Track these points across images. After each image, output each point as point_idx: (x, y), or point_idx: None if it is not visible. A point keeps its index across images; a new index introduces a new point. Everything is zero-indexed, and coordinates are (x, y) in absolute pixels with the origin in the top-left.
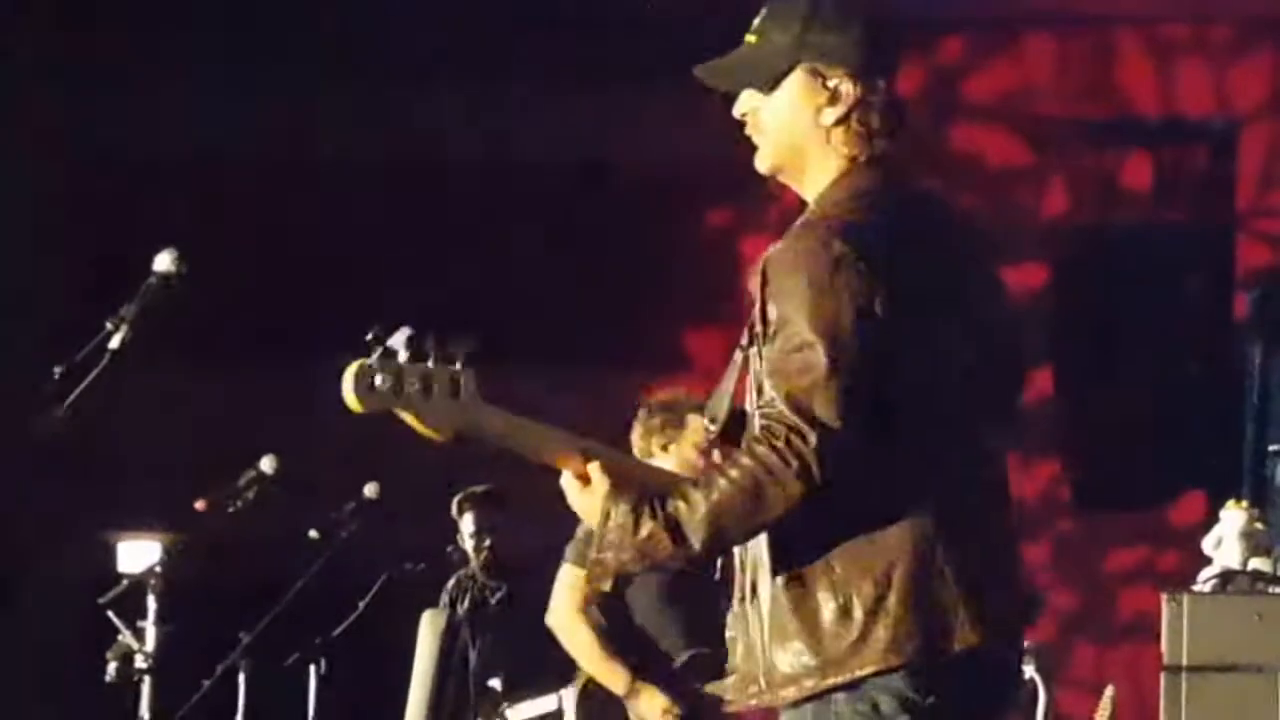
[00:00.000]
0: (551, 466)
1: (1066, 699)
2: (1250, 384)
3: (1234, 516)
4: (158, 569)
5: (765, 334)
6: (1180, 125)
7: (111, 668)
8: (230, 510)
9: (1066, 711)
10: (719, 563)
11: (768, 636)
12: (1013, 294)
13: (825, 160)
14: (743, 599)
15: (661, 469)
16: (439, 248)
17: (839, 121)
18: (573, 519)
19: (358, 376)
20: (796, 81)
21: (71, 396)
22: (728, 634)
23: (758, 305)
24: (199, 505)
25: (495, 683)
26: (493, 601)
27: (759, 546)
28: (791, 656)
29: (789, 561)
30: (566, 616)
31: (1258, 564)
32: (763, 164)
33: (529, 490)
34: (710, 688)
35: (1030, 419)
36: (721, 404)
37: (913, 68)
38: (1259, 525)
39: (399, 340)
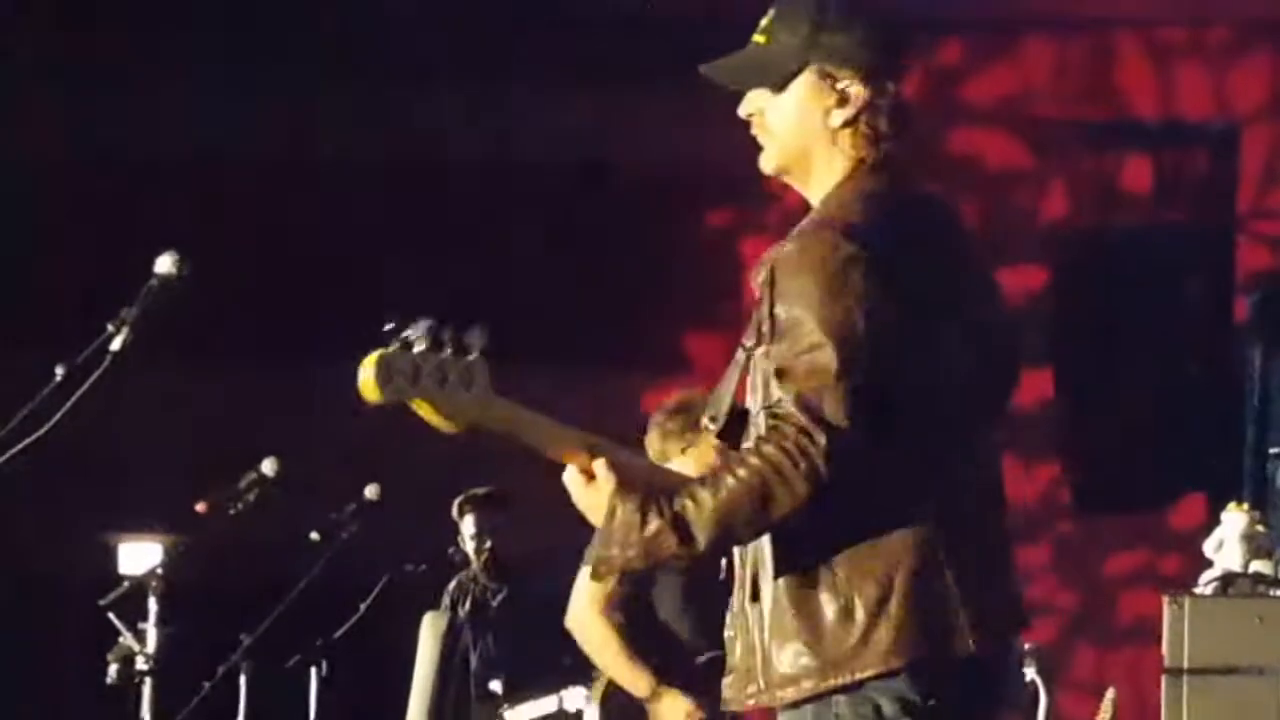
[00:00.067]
0: (558, 461)
1: (1067, 701)
2: (1251, 386)
3: (1235, 519)
4: (159, 571)
5: (772, 334)
6: (1180, 127)
7: (112, 669)
8: (231, 512)
9: (1067, 714)
10: (724, 562)
11: (768, 636)
12: (1007, 295)
13: (831, 162)
14: (743, 599)
15: (667, 469)
16: (439, 248)
17: (847, 123)
18: (574, 521)
19: (377, 367)
20: (805, 83)
21: (73, 398)
22: (726, 633)
23: (765, 305)
24: (200, 507)
25: (496, 685)
26: (494, 603)
27: (760, 546)
28: (791, 657)
29: (791, 562)
30: (587, 619)
31: (1259, 566)
32: (768, 164)
33: (530, 492)
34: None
35: (1031, 421)
36: (722, 403)
37: (912, 70)
38: (1260, 528)
39: (416, 331)
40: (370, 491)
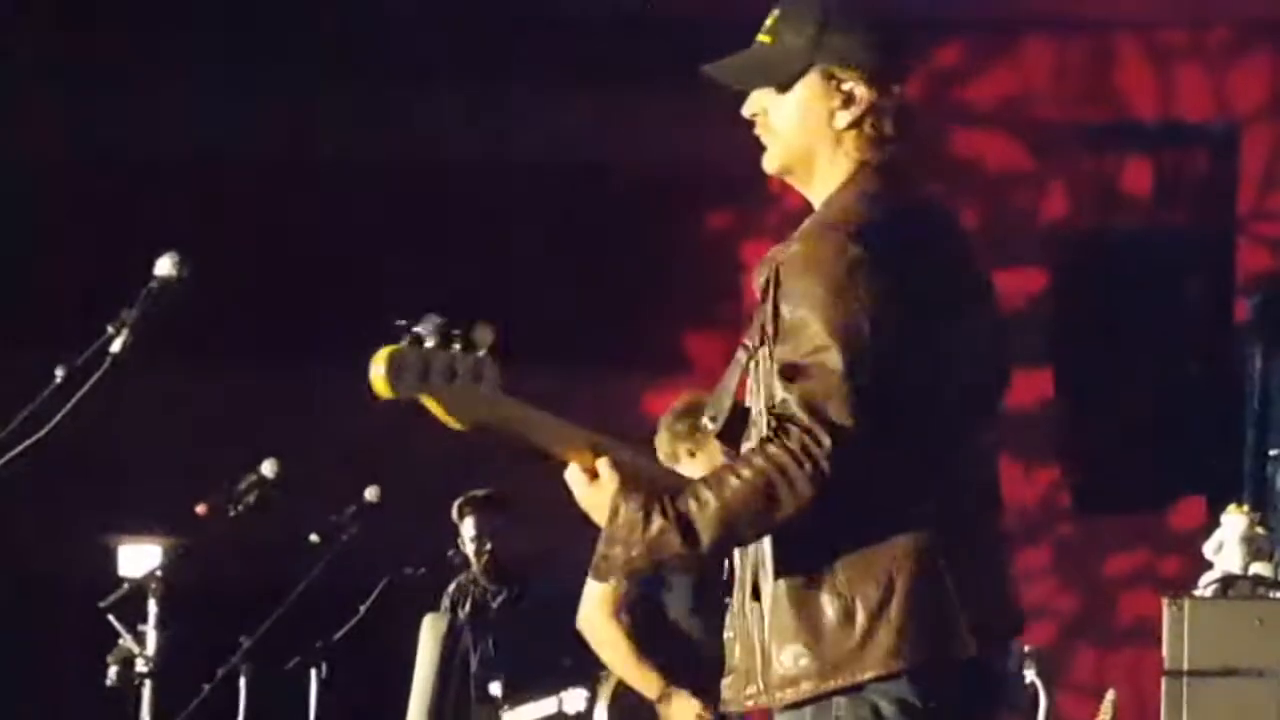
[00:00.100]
0: (563, 459)
1: (1067, 703)
2: (1251, 388)
3: (1235, 521)
4: (158, 573)
5: (776, 334)
6: (1180, 129)
7: (112, 672)
8: (231, 514)
9: (1068, 715)
10: (725, 563)
11: (768, 637)
12: (1008, 296)
13: (835, 163)
14: (742, 599)
15: (670, 470)
16: (439, 248)
17: (852, 125)
18: (574, 523)
19: (388, 363)
20: (811, 83)
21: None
22: (725, 634)
23: (769, 305)
24: (200, 509)
25: (496, 687)
26: (494, 605)
27: (761, 546)
28: (791, 658)
29: (792, 562)
30: (597, 620)
31: (1259, 569)
32: (771, 164)
33: (530, 494)
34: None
35: (1030, 422)
36: (723, 402)
37: (915, 72)
38: (1260, 530)
39: (427, 327)
40: (370, 493)
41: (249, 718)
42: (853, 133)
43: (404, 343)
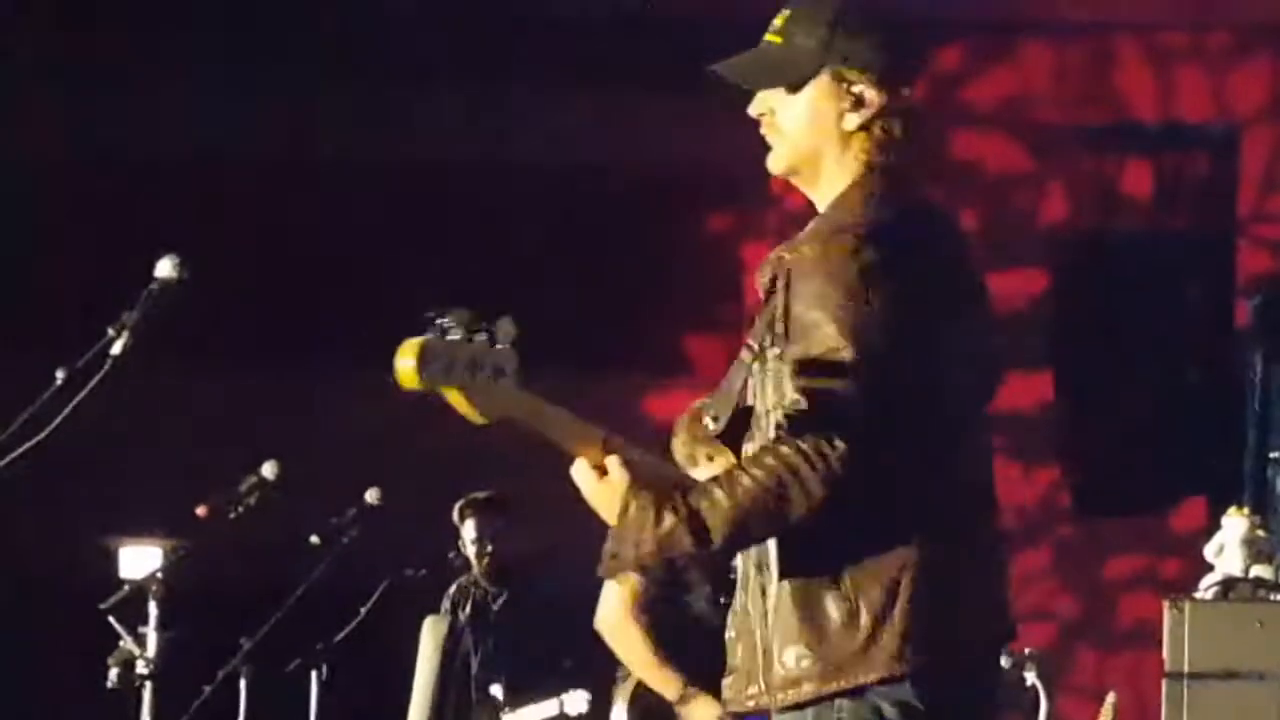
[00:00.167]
0: (573, 456)
1: (1068, 705)
2: (1251, 390)
3: (1235, 523)
4: (159, 574)
5: (787, 334)
6: (1180, 131)
7: (113, 673)
8: (231, 516)
9: (1068, 718)
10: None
11: (771, 638)
12: (1008, 298)
13: (843, 165)
14: (745, 599)
15: (679, 470)
16: (439, 249)
17: (861, 127)
18: (574, 525)
19: (417, 354)
20: (821, 85)
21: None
22: (728, 634)
23: (779, 305)
24: (200, 511)
25: (496, 688)
26: (494, 607)
27: (765, 546)
28: (794, 659)
29: (797, 563)
30: (617, 620)
31: (1259, 571)
32: (777, 165)
33: (531, 496)
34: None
35: (1031, 425)
36: (726, 402)
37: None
38: (1260, 532)
39: (452, 320)
40: (370, 495)
41: (249, 719)
42: (861, 135)
43: (430, 334)
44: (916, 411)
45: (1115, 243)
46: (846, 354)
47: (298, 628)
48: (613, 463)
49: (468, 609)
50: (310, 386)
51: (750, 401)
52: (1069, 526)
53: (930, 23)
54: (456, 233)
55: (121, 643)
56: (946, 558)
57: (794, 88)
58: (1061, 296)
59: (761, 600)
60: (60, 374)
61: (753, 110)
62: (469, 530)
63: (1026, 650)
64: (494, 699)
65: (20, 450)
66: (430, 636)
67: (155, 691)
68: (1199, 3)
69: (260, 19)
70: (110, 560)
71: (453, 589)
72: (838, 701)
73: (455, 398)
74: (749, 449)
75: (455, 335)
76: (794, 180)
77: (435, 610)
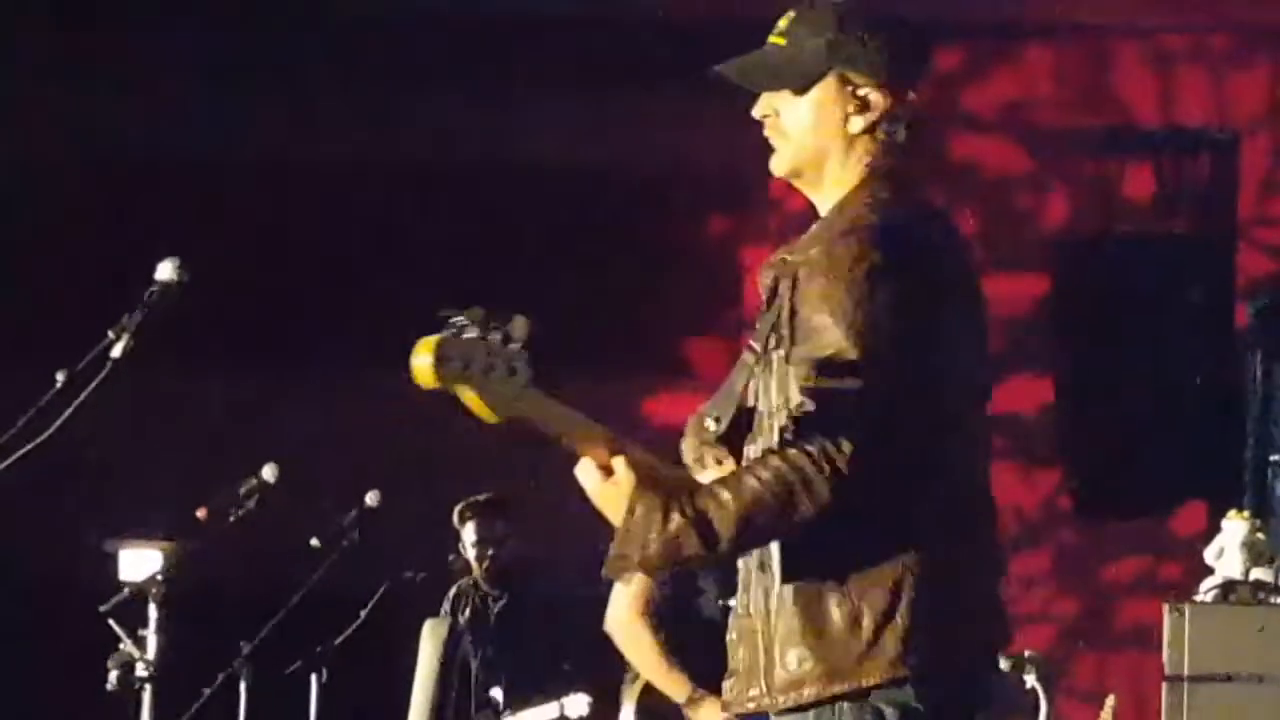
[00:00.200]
0: (581, 455)
1: (1067, 708)
2: (1252, 393)
3: (1235, 526)
4: (159, 577)
5: (793, 337)
6: (1181, 135)
7: (113, 676)
8: (232, 518)
9: None
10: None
11: (773, 640)
12: (1009, 302)
13: (846, 168)
14: (747, 601)
15: (682, 473)
16: (439, 251)
17: (865, 130)
18: (574, 529)
19: (434, 351)
20: (827, 87)
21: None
22: (729, 635)
23: (785, 307)
24: (200, 513)
25: (497, 691)
26: (494, 610)
27: (768, 548)
28: (796, 662)
29: (799, 565)
30: (627, 622)
31: (1259, 574)
32: (780, 167)
33: (530, 499)
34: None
35: (1032, 428)
36: (728, 403)
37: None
38: (1260, 535)
39: (466, 318)
40: (370, 498)
41: None
42: (865, 138)
43: (447, 333)
44: (921, 414)
45: (1116, 246)
46: (853, 356)
47: (298, 630)
48: (619, 463)
49: (468, 612)
50: (310, 389)
51: (752, 403)
52: (1069, 529)
53: (930, 25)
54: (456, 235)
55: (121, 645)
56: (948, 559)
57: (799, 90)
58: (1062, 299)
59: (764, 602)
60: (61, 376)
61: (757, 112)
62: (469, 533)
63: (1026, 653)
64: (494, 702)
65: (21, 452)
66: (430, 639)
67: (155, 694)
68: (1200, 6)
69: (260, 19)
70: (110, 563)
71: (453, 592)
72: (839, 704)
73: (469, 396)
74: (751, 451)
75: (470, 333)
76: (796, 182)
77: (435, 613)
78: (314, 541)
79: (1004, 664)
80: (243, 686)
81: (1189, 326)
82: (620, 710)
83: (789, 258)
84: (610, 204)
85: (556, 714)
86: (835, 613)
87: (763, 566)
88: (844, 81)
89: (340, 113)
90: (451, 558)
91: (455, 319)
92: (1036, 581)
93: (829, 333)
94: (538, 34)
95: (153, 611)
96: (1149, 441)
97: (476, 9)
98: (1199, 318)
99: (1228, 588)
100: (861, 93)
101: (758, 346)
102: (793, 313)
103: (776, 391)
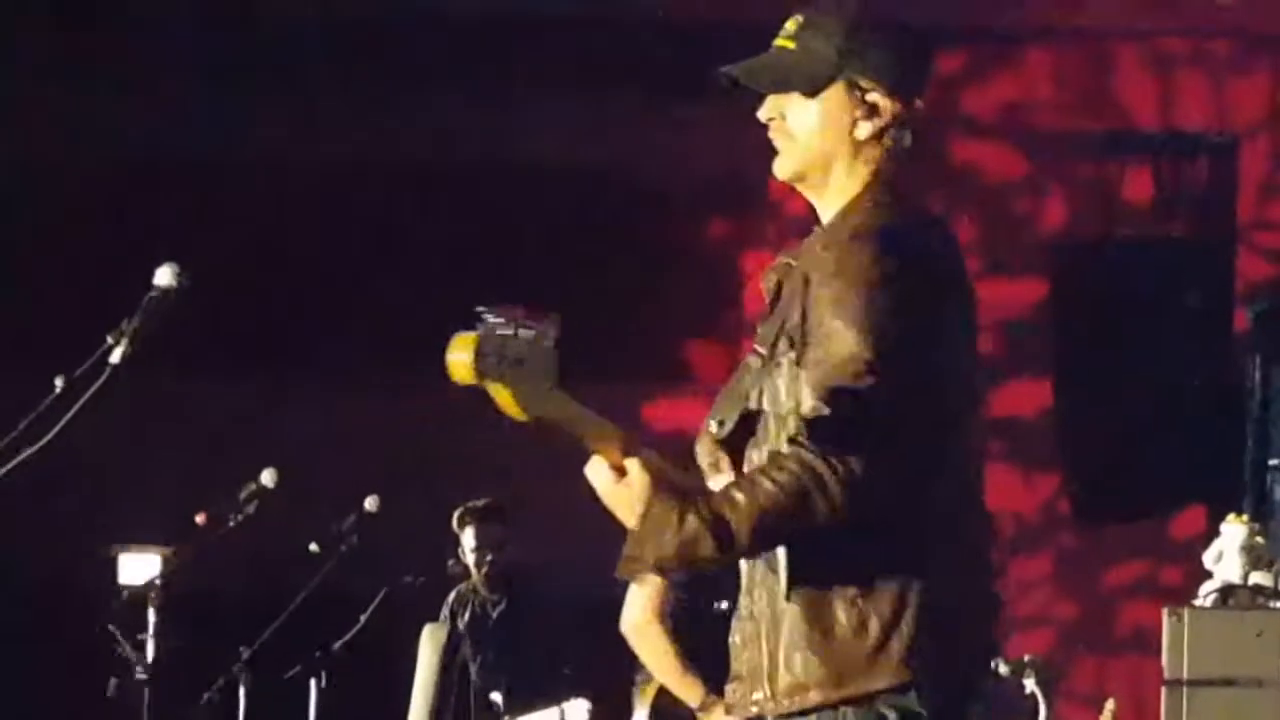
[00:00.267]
0: (595, 454)
1: (1067, 712)
2: (1251, 397)
3: (1235, 530)
4: (158, 582)
5: (804, 341)
6: (1180, 139)
7: (112, 681)
8: (231, 523)
9: None
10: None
11: (778, 643)
12: (1008, 305)
13: (852, 173)
14: (751, 604)
15: (693, 476)
16: (438, 254)
17: (872, 136)
18: (574, 533)
19: (473, 348)
20: (836, 92)
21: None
22: (732, 638)
23: (795, 310)
24: (200, 518)
25: (496, 696)
26: (493, 615)
27: (774, 551)
28: (801, 666)
29: (806, 569)
30: (642, 624)
31: (1258, 578)
32: (784, 170)
33: (530, 503)
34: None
35: (1031, 432)
36: (731, 406)
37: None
38: (1259, 539)
39: (501, 316)
40: (370, 503)
41: None
42: (872, 143)
43: (482, 330)
44: (925, 415)
45: (1115, 249)
46: (868, 359)
47: (297, 635)
48: (633, 464)
49: (467, 617)
50: (309, 393)
51: (756, 406)
52: (1068, 533)
53: (931, 29)
54: (456, 235)
55: (121, 650)
56: (951, 564)
57: (809, 93)
58: (1061, 303)
59: (769, 606)
60: (59, 382)
61: (763, 114)
62: (468, 538)
63: (1026, 657)
64: (494, 707)
65: (19, 458)
66: (429, 644)
67: (154, 698)
68: (1199, 11)
69: (260, 19)
70: (109, 567)
71: (452, 597)
72: (843, 709)
73: (502, 394)
74: (754, 455)
75: (505, 331)
76: (799, 186)
77: (434, 618)
78: (313, 546)
79: (1004, 668)
80: (242, 691)
81: (1188, 330)
82: (633, 713)
83: (793, 261)
84: (610, 205)
85: (556, 718)
86: (842, 617)
87: (768, 570)
88: (853, 87)
89: (340, 113)
90: (450, 562)
91: (490, 316)
92: (1036, 585)
93: (843, 337)
94: (538, 34)
95: (152, 616)
96: (1148, 445)
97: (476, 9)
98: (1198, 321)
99: (1227, 592)
100: (870, 98)
101: (763, 350)
102: (804, 316)
103: (786, 395)
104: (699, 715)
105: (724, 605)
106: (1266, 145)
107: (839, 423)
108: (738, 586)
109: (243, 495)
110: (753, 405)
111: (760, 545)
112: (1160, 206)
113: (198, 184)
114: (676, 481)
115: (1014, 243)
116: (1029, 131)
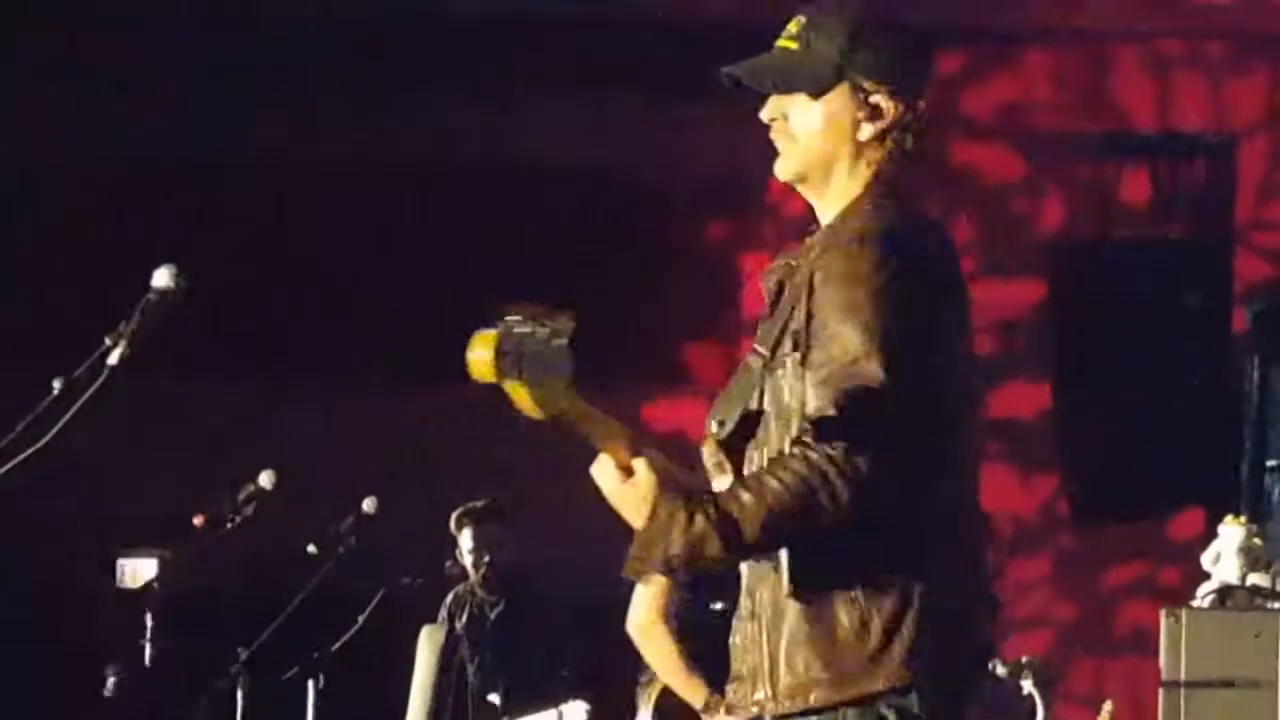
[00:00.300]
0: (602, 453)
1: (1065, 713)
2: (1249, 398)
3: (1232, 532)
4: (156, 584)
5: (809, 342)
6: (1178, 140)
7: (110, 682)
8: (229, 525)
9: None
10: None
11: (780, 644)
12: (1006, 307)
13: (854, 174)
14: (752, 605)
15: (699, 477)
16: (437, 254)
17: (874, 138)
18: (574, 534)
19: (493, 346)
20: (840, 93)
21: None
22: (732, 639)
23: (799, 312)
24: (198, 520)
25: (494, 697)
26: (491, 616)
27: (776, 552)
28: (803, 667)
29: (808, 569)
30: (647, 624)
31: (1256, 579)
32: (786, 171)
33: (528, 505)
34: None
35: (1029, 433)
36: (731, 406)
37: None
38: (1257, 540)
39: (519, 314)
40: (367, 505)
41: None
42: (874, 145)
43: (501, 328)
44: (925, 415)
45: (1113, 250)
46: (874, 360)
47: (295, 636)
48: (640, 464)
49: (465, 618)
50: (308, 394)
51: (757, 406)
52: (1067, 534)
53: (930, 30)
54: (456, 235)
55: (119, 652)
56: (950, 565)
57: (813, 94)
58: (1059, 304)
59: (770, 606)
60: (57, 383)
61: (765, 114)
62: (466, 539)
63: (1024, 658)
64: (492, 708)
65: (17, 460)
66: (427, 645)
67: (152, 700)
68: (1197, 12)
69: (260, 19)
70: (108, 569)
71: (450, 598)
72: (844, 710)
73: (520, 392)
74: (755, 455)
75: (523, 329)
76: (800, 187)
77: (432, 619)
78: (311, 548)
79: (1001, 669)
80: (239, 692)
81: (1186, 331)
82: (636, 713)
83: (795, 263)
84: (610, 205)
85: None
86: (845, 618)
87: (770, 570)
88: (857, 88)
89: (340, 113)
90: (448, 564)
91: (509, 314)
92: (1034, 586)
93: (848, 339)
94: (538, 34)
95: (150, 618)
96: (1146, 446)
97: (476, 9)
98: (1196, 322)
99: (1225, 593)
100: (873, 100)
101: (764, 350)
102: (809, 317)
103: (789, 395)
104: (703, 716)
105: (724, 606)
106: (1264, 146)
107: (845, 423)
108: (739, 587)
109: (241, 496)
110: (754, 406)
111: (767, 545)
112: (1158, 207)
113: (198, 184)
114: (683, 482)
115: (1012, 243)
116: (1027, 132)
